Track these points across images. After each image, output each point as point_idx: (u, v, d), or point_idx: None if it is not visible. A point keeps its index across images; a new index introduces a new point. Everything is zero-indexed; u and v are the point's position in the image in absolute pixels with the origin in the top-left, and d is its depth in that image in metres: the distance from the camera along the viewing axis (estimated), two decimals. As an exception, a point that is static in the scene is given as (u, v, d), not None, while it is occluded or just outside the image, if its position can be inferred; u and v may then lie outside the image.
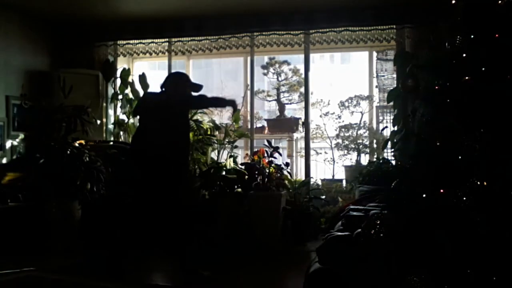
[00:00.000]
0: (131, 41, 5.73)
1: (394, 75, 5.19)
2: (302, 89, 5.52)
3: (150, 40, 5.67)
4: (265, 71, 5.70)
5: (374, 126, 5.49)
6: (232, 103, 3.68)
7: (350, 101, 5.49)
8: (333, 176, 5.53)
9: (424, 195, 2.08)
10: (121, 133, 5.78)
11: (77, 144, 4.43)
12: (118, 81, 5.77)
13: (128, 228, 3.48)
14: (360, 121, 5.47)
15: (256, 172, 4.71)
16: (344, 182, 5.37)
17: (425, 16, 4.71)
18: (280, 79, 5.68)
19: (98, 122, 5.25)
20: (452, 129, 2.07)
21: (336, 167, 5.55)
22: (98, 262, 3.99)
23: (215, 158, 5.22)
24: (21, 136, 5.08)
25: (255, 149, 5.30)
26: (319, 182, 5.46)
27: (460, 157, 2.01)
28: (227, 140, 5.21)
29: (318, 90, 5.68)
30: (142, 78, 5.69)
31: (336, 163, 5.55)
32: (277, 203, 4.53)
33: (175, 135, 3.48)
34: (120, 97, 5.76)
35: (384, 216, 2.12)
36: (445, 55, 2.21)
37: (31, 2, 4.91)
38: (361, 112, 5.48)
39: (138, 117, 3.83)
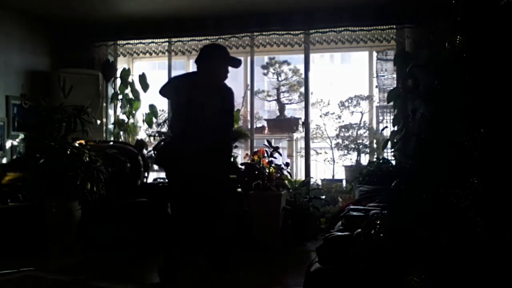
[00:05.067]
0: (131, 41, 5.73)
1: (394, 75, 5.20)
2: (302, 89, 5.52)
3: (150, 40, 5.67)
4: (265, 71, 5.70)
5: (374, 126, 5.50)
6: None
7: (350, 101, 5.49)
8: (333, 176, 5.53)
9: (424, 195, 2.08)
10: (121, 133, 5.78)
11: (77, 144, 4.42)
12: (118, 81, 5.77)
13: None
14: (360, 121, 5.47)
15: (256, 172, 4.71)
16: (344, 182, 5.37)
17: (425, 16, 4.71)
18: (280, 79, 5.68)
19: (98, 122, 5.25)
20: (452, 129, 2.07)
21: (336, 167, 5.55)
22: (98, 262, 4.00)
23: (215, 158, 5.21)
24: (21, 136, 5.08)
25: (255, 149, 5.30)
26: (319, 182, 5.46)
27: (460, 157, 2.01)
28: (227, 140, 5.20)
29: (318, 90, 5.68)
30: (142, 78, 5.69)
31: (336, 163, 5.55)
32: (277, 203, 4.53)
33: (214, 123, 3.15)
34: (120, 97, 5.76)
35: (384, 216, 2.12)
36: (445, 55, 2.21)
37: (31, 2, 4.91)
38: (361, 112, 5.48)
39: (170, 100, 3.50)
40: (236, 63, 3.32)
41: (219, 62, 3.26)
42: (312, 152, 5.51)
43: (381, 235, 2.05)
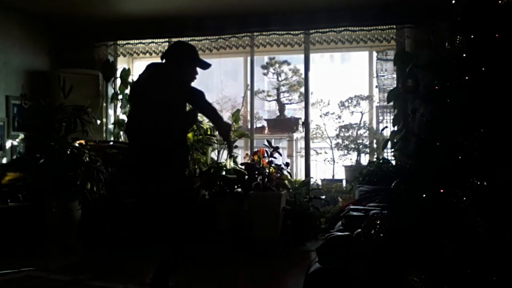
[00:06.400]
0: (131, 41, 5.72)
1: (394, 75, 5.20)
2: (302, 89, 5.52)
3: (150, 40, 5.67)
4: (265, 71, 5.71)
5: (374, 126, 5.50)
6: (226, 131, 3.20)
7: (350, 101, 5.49)
8: (333, 176, 5.53)
9: (424, 195, 2.08)
10: (121, 133, 5.78)
11: (77, 144, 4.43)
12: (118, 81, 5.77)
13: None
14: (360, 121, 5.47)
15: (256, 172, 4.71)
16: (344, 182, 5.37)
17: (425, 16, 4.71)
18: (280, 79, 5.68)
19: (98, 122, 5.24)
20: (452, 129, 2.07)
21: (336, 167, 5.55)
22: (98, 262, 4.00)
23: (215, 158, 5.22)
24: (21, 136, 5.08)
25: (255, 149, 5.30)
26: (319, 182, 5.46)
27: (460, 157, 2.01)
28: (227, 140, 5.20)
29: (318, 90, 5.68)
30: (142, 78, 5.68)
31: (336, 163, 5.55)
32: (277, 203, 4.53)
33: (167, 121, 2.89)
34: (120, 97, 5.76)
35: (384, 216, 2.12)
36: (445, 55, 2.21)
37: (31, 2, 4.91)
38: (361, 112, 5.48)
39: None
40: (205, 66, 3.16)
41: (188, 62, 3.08)
42: (312, 152, 5.51)
43: (381, 235, 2.05)
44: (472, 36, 2.11)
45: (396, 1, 4.80)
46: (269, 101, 5.87)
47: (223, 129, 3.19)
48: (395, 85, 5.09)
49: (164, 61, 3.08)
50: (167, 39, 5.64)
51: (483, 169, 1.96)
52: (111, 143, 5.31)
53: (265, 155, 4.80)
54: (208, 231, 4.67)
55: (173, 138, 2.96)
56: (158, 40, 5.66)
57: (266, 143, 4.89)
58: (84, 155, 4.28)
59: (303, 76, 5.50)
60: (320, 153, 5.63)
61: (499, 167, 1.95)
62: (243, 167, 4.91)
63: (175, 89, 2.98)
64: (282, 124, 5.66)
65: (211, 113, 3.19)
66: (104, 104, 5.70)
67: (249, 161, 5.08)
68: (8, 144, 4.96)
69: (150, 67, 3.07)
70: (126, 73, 5.76)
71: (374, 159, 5.06)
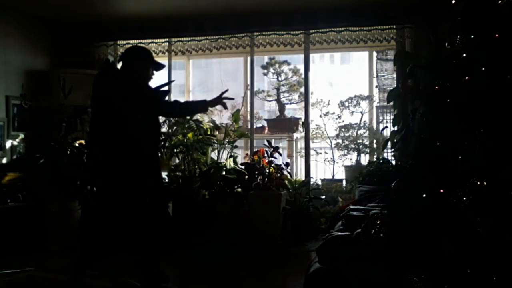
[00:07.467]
0: (131, 41, 5.72)
1: (394, 75, 5.20)
2: (302, 89, 5.52)
3: (150, 40, 5.67)
4: (265, 71, 5.71)
5: (374, 126, 5.50)
6: (205, 105, 3.48)
7: (350, 101, 5.49)
8: (333, 176, 5.53)
9: (424, 195, 2.08)
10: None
11: (77, 144, 4.43)
12: (118, 81, 5.76)
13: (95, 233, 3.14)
14: (360, 121, 5.47)
15: (256, 172, 4.71)
16: (344, 182, 5.37)
17: (425, 16, 4.71)
18: (280, 79, 5.68)
19: (98, 122, 5.23)
20: (452, 129, 2.07)
21: (336, 167, 5.56)
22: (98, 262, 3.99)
23: (215, 158, 5.22)
24: (21, 136, 5.08)
25: (255, 149, 5.30)
26: (319, 182, 5.47)
27: (460, 157, 2.01)
28: (227, 140, 5.21)
29: (318, 90, 5.68)
30: (142, 78, 5.68)
31: (336, 163, 5.55)
32: (277, 203, 4.53)
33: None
34: (120, 97, 5.75)
35: (384, 216, 2.12)
36: (445, 55, 2.21)
37: (31, 2, 4.91)
38: (361, 112, 5.49)
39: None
40: (159, 67, 3.30)
41: (143, 64, 3.23)
42: (312, 152, 5.51)
43: (381, 235, 2.05)
44: (472, 36, 2.11)
45: (396, 1, 4.80)
46: (269, 101, 5.88)
47: (213, 103, 3.57)
48: (395, 85, 5.09)
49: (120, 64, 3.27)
50: (167, 39, 5.64)
51: (483, 169, 1.96)
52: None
53: (265, 155, 4.80)
54: (208, 231, 4.67)
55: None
56: (158, 40, 5.66)
57: (266, 143, 4.89)
58: (84, 155, 4.28)
59: (303, 76, 5.50)
60: (320, 153, 5.64)
61: (499, 167, 1.95)
62: (243, 167, 4.91)
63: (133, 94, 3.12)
64: (282, 124, 5.66)
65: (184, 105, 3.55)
66: (104, 104, 5.69)
67: (249, 161, 5.08)
68: (8, 144, 4.96)
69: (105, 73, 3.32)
70: (126, 73, 5.76)
71: (374, 159, 5.06)
